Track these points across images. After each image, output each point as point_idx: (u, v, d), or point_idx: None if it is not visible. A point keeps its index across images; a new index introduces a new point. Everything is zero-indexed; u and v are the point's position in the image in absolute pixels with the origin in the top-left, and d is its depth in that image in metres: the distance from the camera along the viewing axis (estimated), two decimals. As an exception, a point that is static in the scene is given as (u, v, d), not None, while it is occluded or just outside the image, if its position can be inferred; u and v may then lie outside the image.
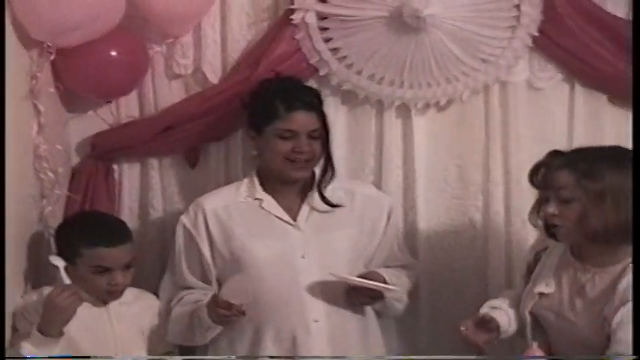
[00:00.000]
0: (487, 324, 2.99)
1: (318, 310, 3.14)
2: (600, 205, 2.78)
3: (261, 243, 3.16)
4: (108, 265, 3.11)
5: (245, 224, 3.19)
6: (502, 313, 3.05)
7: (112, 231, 3.20)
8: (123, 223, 3.31)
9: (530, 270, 3.08)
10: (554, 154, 2.91)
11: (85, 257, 3.10)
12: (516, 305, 3.09)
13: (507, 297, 3.15)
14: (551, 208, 2.85)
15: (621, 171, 2.79)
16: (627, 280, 2.79)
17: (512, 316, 3.07)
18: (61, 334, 2.98)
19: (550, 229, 2.91)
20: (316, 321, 3.14)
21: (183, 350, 3.32)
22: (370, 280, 3.08)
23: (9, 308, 3.03)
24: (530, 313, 3.00)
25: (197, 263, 3.21)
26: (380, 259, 3.28)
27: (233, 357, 3.15)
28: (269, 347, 3.13)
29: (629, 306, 2.74)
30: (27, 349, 2.96)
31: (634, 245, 2.76)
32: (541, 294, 2.97)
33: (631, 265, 2.80)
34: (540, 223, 2.95)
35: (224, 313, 2.98)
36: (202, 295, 3.16)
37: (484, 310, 3.05)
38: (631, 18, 3.40)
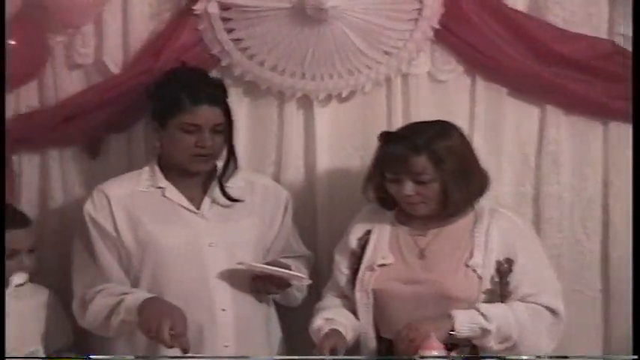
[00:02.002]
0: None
1: (225, 298, 3.15)
2: (457, 180, 3.03)
3: (168, 231, 3.15)
4: (16, 247, 3.13)
5: (150, 212, 3.17)
6: (339, 325, 3.09)
7: (14, 214, 3.23)
8: (18, 209, 3.36)
9: (356, 255, 3.19)
10: (397, 138, 3.08)
11: None
12: (346, 304, 3.18)
13: (334, 299, 3.22)
14: (409, 190, 3.03)
15: (461, 145, 3.09)
16: (484, 226, 3.07)
17: (349, 321, 3.13)
18: None
19: (405, 207, 3.11)
20: (223, 310, 3.14)
21: (77, 343, 3.33)
22: (275, 266, 3.11)
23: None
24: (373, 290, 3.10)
25: (113, 248, 3.17)
26: (277, 250, 3.30)
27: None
28: None
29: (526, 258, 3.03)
30: None
31: (634, 245, 2.97)
32: (381, 265, 3.10)
33: (486, 212, 3.10)
34: (373, 197, 3.17)
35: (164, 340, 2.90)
36: (127, 288, 3.12)
37: (318, 322, 3.11)
38: (631, 18, 3.40)
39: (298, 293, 3.29)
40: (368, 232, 3.20)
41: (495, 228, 3.07)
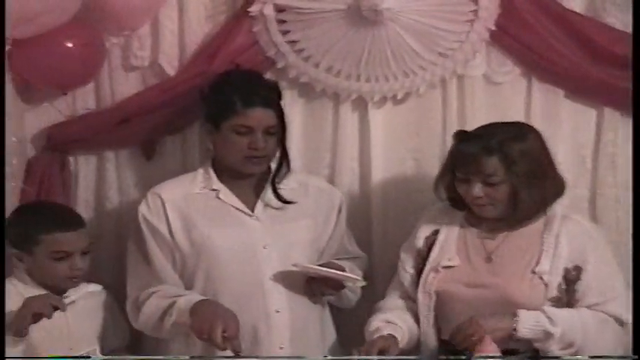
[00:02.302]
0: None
1: (279, 300, 3.15)
2: (528, 184, 2.97)
3: (222, 233, 3.15)
4: (68, 250, 3.13)
5: (204, 214, 3.18)
6: (396, 329, 3.08)
7: (68, 216, 3.24)
8: (74, 211, 3.37)
9: (421, 254, 3.16)
10: (470, 137, 3.02)
11: (45, 244, 3.12)
12: (409, 305, 3.16)
13: (396, 300, 3.20)
14: (477, 192, 2.99)
15: (536, 149, 3.02)
16: (554, 232, 3.02)
17: (407, 325, 3.10)
18: (25, 334, 2.97)
19: (474, 208, 3.07)
20: (278, 312, 3.14)
21: (132, 344, 3.35)
22: (330, 268, 3.11)
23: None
24: (436, 292, 3.08)
25: (167, 251, 3.17)
26: (330, 252, 3.30)
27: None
28: None
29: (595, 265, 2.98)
30: None
31: (634, 245, 2.93)
32: (446, 267, 3.07)
33: (557, 218, 3.04)
34: (444, 196, 3.12)
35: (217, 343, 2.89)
36: (181, 290, 3.12)
37: (376, 324, 3.08)
38: (631, 18, 3.35)
39: (352, 295, 3.28)
40: (436, 232, 3.17)
41: (565, 234, 3.02)
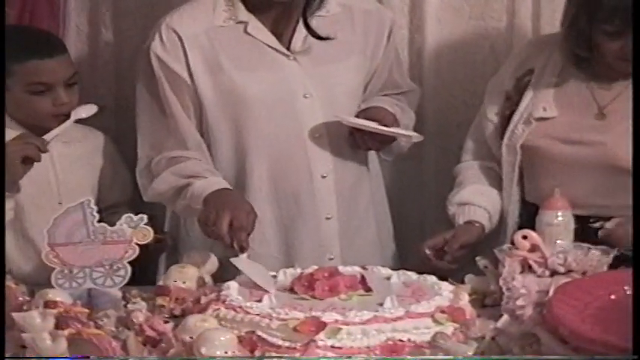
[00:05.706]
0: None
1: (325, 163, 2.85)
2: None
3: (254, 78, 2.77)
4: (47, 81, 2.85)
5: (232, 55, 2.77)
6: (476, 212, 2.80)
7: (44, 40, 2.96)
8: (53, 34, 3.08)
9: (511, 99, 2.82)
10: None
11: (18, 75, 2.82)
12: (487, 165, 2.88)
13: (470, 168, 2.90)
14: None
15: None
16: None
17: (490, 202, 2.82)
18: (18, 189, 2.75)
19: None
20: (324, 177, 2.84)
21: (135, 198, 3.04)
22: (379, 119, 2.77)
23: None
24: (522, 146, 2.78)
25: (188, 100, 2.80)
26: (377, 85, 2.94)
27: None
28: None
29: None
30: None
31: (634, 244, 2.58)
32: (540, 119, 2.74)
33: None
34: (566, 53, 2.70)
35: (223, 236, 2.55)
36: (200, 167, 2.76)
37: (452, 210, 2.81)
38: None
39: (404, 143, 2.93)
40: (530, 72, 2.76)
41: None
